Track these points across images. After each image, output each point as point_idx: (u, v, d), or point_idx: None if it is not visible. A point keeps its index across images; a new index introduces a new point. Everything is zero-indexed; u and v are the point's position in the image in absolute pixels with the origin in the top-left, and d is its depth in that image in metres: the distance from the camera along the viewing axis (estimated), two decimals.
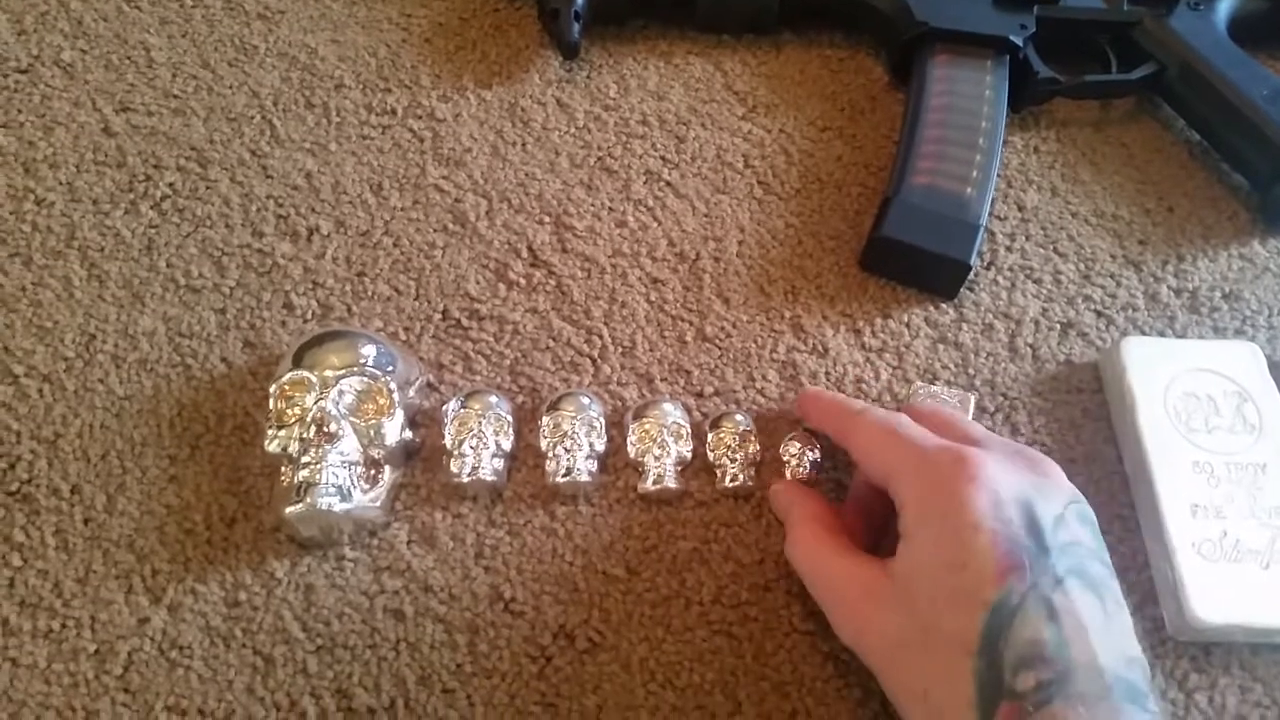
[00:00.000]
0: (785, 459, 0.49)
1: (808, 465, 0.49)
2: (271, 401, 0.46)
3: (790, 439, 0.49)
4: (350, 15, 0.65)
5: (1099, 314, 0.54)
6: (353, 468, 0.45)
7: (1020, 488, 0.37)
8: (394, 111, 0.60)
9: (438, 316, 0.53)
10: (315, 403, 0.45)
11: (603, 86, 0.62)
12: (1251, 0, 0.63)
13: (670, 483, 0.47)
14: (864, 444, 0.43)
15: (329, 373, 0.46)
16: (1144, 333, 0.54)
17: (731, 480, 0.47)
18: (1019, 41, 0.59)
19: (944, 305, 0.54)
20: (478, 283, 0.54)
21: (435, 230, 0.56)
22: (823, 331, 0.53)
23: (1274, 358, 0.52)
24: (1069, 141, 0.62)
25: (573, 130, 0.60)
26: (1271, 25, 0.64)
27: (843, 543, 0.42)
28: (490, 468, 0.47)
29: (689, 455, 0.48)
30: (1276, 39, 0.66)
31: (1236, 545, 0.45)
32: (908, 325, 0.53)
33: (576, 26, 0.61)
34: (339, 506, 0.44)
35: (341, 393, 0.46)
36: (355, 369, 0.46)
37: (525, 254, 0.55)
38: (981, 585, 0.35)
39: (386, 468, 0.46)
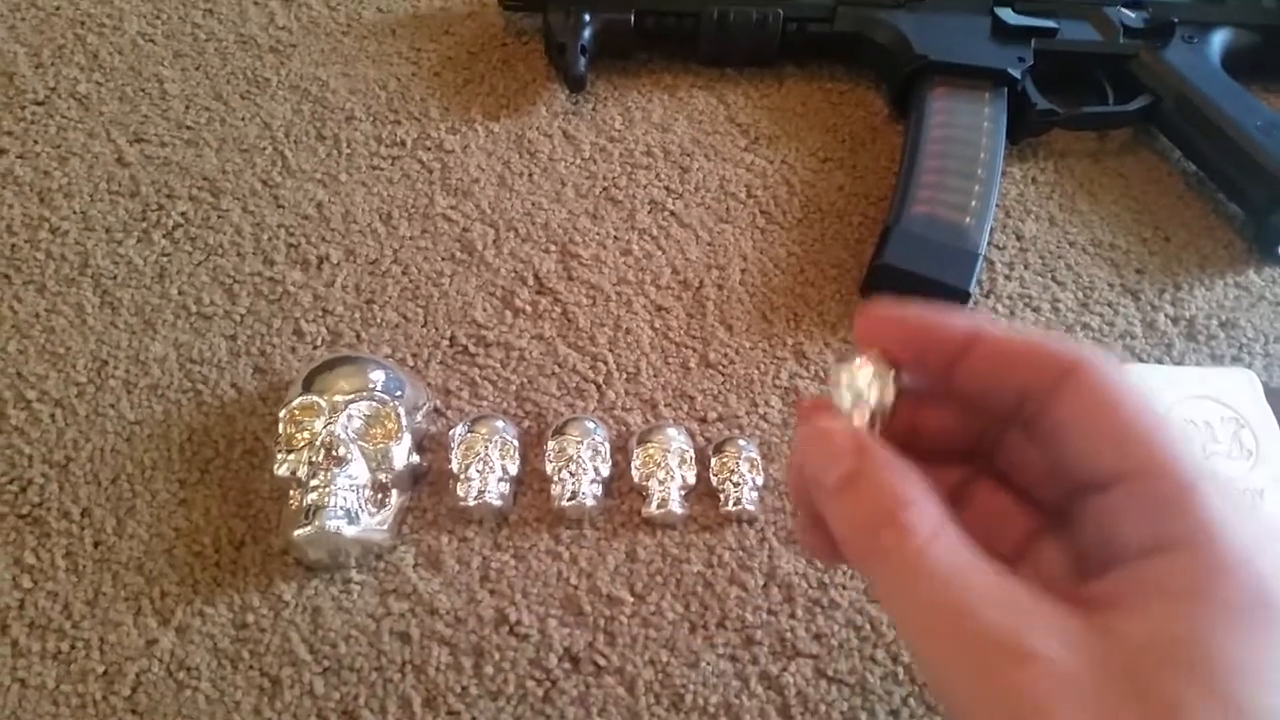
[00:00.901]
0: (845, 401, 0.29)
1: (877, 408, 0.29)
2: (281, 426, 0.47)
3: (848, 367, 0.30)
4: (361, 50, 0.66)
5: (1097, 342, 0.55)
6: (361, 491, 0.45)
7: None
8: (403, 143, 0.61)
9: (445, 343, 0.53)
10: (324, 427, 0.46)
11: (608, 119, 0.64)
12: (1244, 34, 0.64)
13: (675, 507, 0.47)
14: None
15: (338, 398, 0.47)
16: (1141, 360, 0.54)
17: (735, 504, 0.48)
18: (1017, 74, 0.60)
19: None
20: (485, 310, 0.55)
21: (443, 259, 0.56)
22: (825, 358, 0.54)
23: (1270, 384, 0.53)
24: (1067, 172, 0.63)
25: (579, 161, 0.61)
26: (1264, 58, 0.66)
27: (993, 563, 0.24)
28: (496, 492, 0.47)
29: (693, 480, 0.49)
30: (1269, 71, 0.67)
31: None
32: None
33: (582, 60, 0.62)
34: (347, 529, 0.44)
35: (350, 417, 0.46)
36: (364, 394, 0.47)
37: (531, 282, 0.56)
38: None
39: (394, 491, 0.47)
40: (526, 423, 0.51)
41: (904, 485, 0.26)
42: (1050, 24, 0.62)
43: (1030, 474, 0.29)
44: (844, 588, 0.46)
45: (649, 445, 0.49)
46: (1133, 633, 0.22)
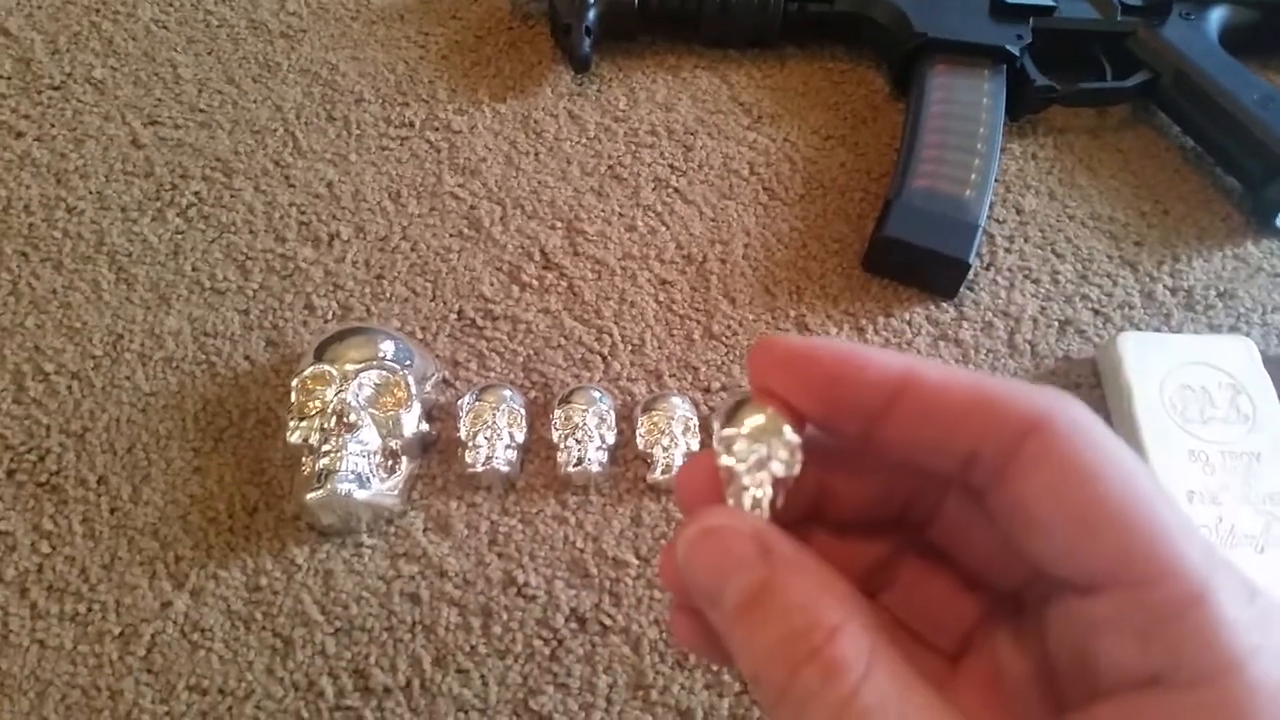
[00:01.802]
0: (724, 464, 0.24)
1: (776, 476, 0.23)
2: (293, 394, 0.48)
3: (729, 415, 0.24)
4: (370, 34, 0.67)
5: (1096, 312, 0.56)
6: (371, 457, 0.46)
7: None
8: (412, 124, 0.62)
9: (453, 316, 0.54)
10: (336, 395, 0.47)
11: (613, 99, 0.64)
12: (1242, 10, 0.65)
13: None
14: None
15: (349, 366, 0.48)
16: (1140, 330, 0.55)
17: None
18: (1016, 51, 0.61)
19: (945, 304, 0.56)
20: (492, 284, 0.56)
21: (451, 235, 0.57)
22: (827, 330, 0.54)
23: (1268, 352, 0.54)
24: (1066, 148, 0.63)
25: (584, 140, 0.62)
26: (1261, 34, 0.66)
27: (937, 700, 0.19)
28: (503, 458, 0.48)
29: (696, 447, 0.50)
30: (1266, 47, 0.67)
31: (1232, 531, 0.46)
32: (909, 323, 0.55)
33: (587, 42, 0.63)
34: (358, 493, 0.45)
35: (361, 385, 0.47)
36: (374, 363, 0.48)
37: (538, 257, 0.57)
38: None
39: (404, 458, 0.48)
40: (533, 393, 0.52)
41: (825, 601, 0.20)
42: (1048, 2, 0.63)
43: (976, 551, 0.23)
44: None
45: (653, 413, 0.50)
46: None
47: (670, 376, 0.53)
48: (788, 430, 0.23)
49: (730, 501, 0.23)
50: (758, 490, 0.22)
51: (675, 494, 0.25)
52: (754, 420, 0.23)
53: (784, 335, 0.24)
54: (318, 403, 0.47)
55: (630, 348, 0.54)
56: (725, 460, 0.23)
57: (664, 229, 0.58)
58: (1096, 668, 0.19)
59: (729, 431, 0.23)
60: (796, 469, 0.22)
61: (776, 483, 0.22)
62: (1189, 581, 0.18)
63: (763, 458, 0.22)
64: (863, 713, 0.18)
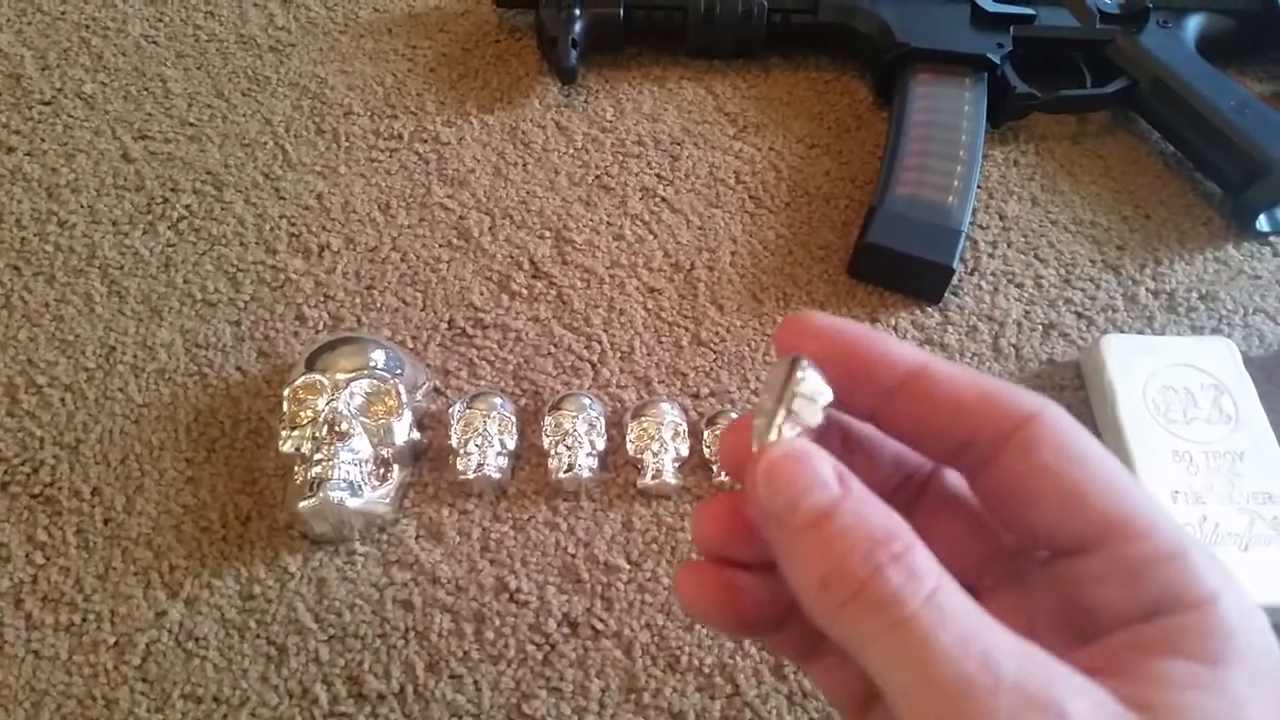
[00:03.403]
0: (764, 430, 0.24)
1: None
2: (285, 404, 0.48)
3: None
4: (358, 47, 0.68)
5: (1079, 315, 0.57)
6: (363, 465, 0.47)
7: None
8: (400, 136, 0.63)
9: (444, 326, 0.55)
10: (327, 404, 0.47)
11: (599, 110, 0.65)
12: (1218, 18, 0.66)
13: (669, 478, 0.49)
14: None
15: (340, 376, 0.48)
16: (1123, 332, 0.56)
17: (727, 475, 0.49)
18: (997, 59, 0.62)
19: (929, 309, 0.56)
20: (482, 294, 0.56)
21: (441, 245, 0.58)
22: None
23: (1249, 354, 0.54)
24: (1047, 154, 0.64)
25: (571, 151, 0.63)
26: (1238, 41, 0.67)
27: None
28: (495, 465, 0.48)
29: (686, 452, 0.50)
30: (1243, 54, 0.69)
31: (1216, 529, 0.47)
32: (895, 328, 0.56)
33: (574, 54, 0.64)
34: (350, 501, 0.45)
35: (352, 394, 0.48)
36: (365, 372, 0.49)
37: (527, 266, 0.57)
38: None
39: (395, 466, 0.48)
40: (524, 401, 0.52)
41: (899, 523, 0.22)
42: (1028, 11, 0.64)
43: (948, 545, 0.23)
44: None
45: (643, 419, 0.50)
46: (1192, 710, 0.20)
47: (659, 383, 0.53)
48: (826, 384, 0.24)
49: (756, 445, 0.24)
50: (794, 432, 0.24)
51: (720, 453, 0.28)
52: (804, 368, 0.24)
53: (814, 311, 0.26)
54: (309, 412, 0.48)
55: (619, 355, 0.54)
56: (771, 398, 0.24)
57: (652, 238, 0.59)
58: (1093, 612, 0.22)
59: (780, 375, 0.24)
60: (820, 418, 0.24)
61: (814, 430, 0.24)
62: (1166, 537, 0.22)
63: (811, 400, 0.24)
64: (941, 610, 0.20)
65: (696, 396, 0.53)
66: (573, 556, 0.47)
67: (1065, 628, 0.23)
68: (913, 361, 0.25)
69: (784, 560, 0.23)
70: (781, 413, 0.24)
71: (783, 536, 0.22)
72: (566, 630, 0.45)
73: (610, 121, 0.65)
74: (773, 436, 0.24)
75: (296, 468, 0.47)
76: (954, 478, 0.27)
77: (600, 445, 0.50)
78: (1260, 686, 0.20)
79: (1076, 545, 0.23)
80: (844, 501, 0.22)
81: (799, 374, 0.24)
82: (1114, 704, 0.20)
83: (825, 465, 0.23)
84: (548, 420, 0.50)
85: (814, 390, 0.24)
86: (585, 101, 0.66)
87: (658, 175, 0.62)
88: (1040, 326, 0.56)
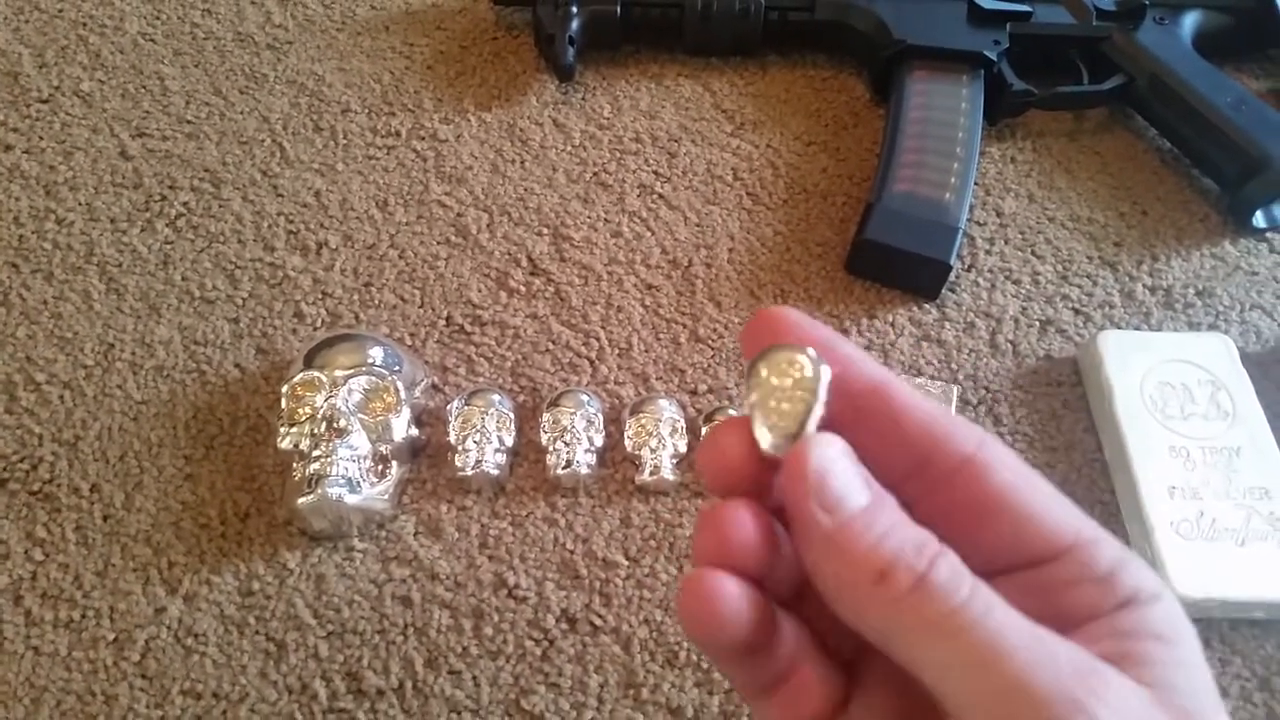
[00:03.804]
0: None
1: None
2: (283, 401, 0.48)
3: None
4: (356, 45, 0.68)
5: (1077, 311, 0.57)
6: (361, 461, 0.47)
7: None
8: (398, 133, 0.63)
9: (441, 323, 0.55)
10: (325, 400, 0.47)
11: (597, 107, 0.65)
12: (1214, 15, 0.66)
13: (667, 474, 0.49)
14: None
15: (338, 372, 0.48)
16: (1120, 328, 0.56)
17: None
18: (993, 56, 0.62)
19: (927, 305, 0.56)
20: (480, 291, 0.56)
21: (438, 243, 0.58)
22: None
23: (1246, 349, 0.55)
24: (1044, 151, 0.64)
25: (569, 148, 0.63)
26: (1234, 38, 0.67)
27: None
28: (493, 462, 0.48)
29: (684, 448, 0.50)
30: (1239, 51, 0.69)
31: (1213, 524, 0.47)
32: (892, 324, 0.56)
33: (571, 51, 0.64)
34: (349, 498, 0.45)
35: (350, 391, 0.48)
36: (363, 369, 0.49)
37: (525, 263, 0.57)
38: None
39: (394, 463, 0.48)
40: (522, 397, 0.52)
41: (923, 529, 0.23)
42: (1025, 8, 0.64)
43: None
44: None
45: (641, 416, 0.51)
46: (1175, 681, 0.22)
47: (657, 379, 0.53)
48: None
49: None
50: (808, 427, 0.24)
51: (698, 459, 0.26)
52: (811, 358, 0.24)
53: (787, 308, 0.26)
54: (308, 409, 0.48)
55: (617, 351, 0.54)
56: (779, 390, 0.24)
57: (649, 234, 0.59)
58: (1068, 611, 0.23)
59: (780, 362, 0.25)
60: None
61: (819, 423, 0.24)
62: (1114, 542, 0.24)
63: (818, 392, 0.24)
64: (989, 600, 0.21)
65: (694, 393, 0.53)
66: (571, 552, 0.47)
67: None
68: (878, 376, 0.25)
69: (827, 557, 0.23)
70: (818, 409, 0.24)
71: (828, 532, 0.23)
72: (565, 626, 0.45)
73: (608, 119, 0.65)
74: (812, 428, 0.24)
75: (295, 464, 0.47)
76: None
77: (598, 442, 0.50)
78: (1200, 658, 0.23)
79: (1041, 556, 0.24)
80: (885, 499, 0.23)
81: (824, 370, 0.24)
82: (1131, 682, 0.21)
83: (855, 466, 0.24)
84: (546, 417, 0.50)
85: (829, 385, 0.24)
86: (583, 99, 0.66)
87: (655, 172, 0.62)
88: (1037, 323, 0.56)
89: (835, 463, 0.23)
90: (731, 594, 0.23)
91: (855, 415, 0.25)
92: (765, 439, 0.24)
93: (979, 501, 0.24)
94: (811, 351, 0.24)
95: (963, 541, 0.24)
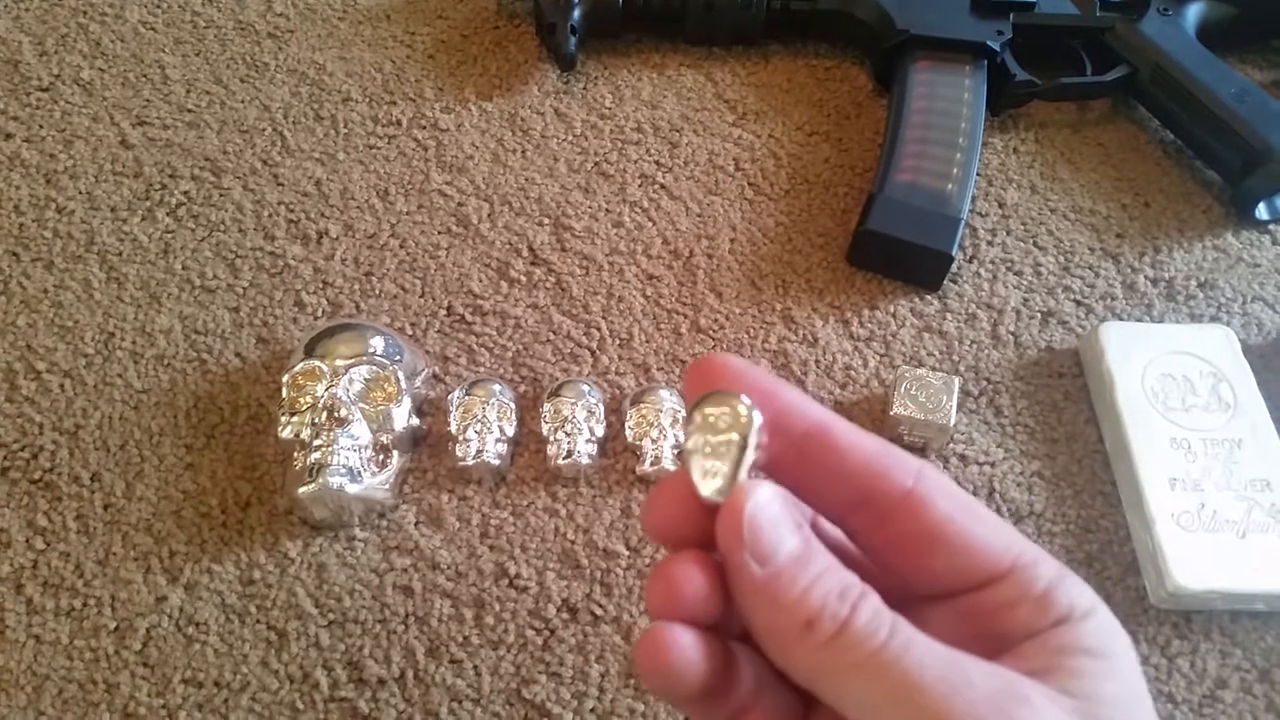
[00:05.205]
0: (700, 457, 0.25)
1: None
2: (284, 390, 0.48)
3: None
4: (357, 34, 0.68)
5: (1078, 303, 0.57)
6: (362, 451, 0.47)
7: None
8: (399, 123, 0.63)
9: (442, 312, 0.55)
10: (326, 390, 0.47)
11: (598, 97, 0.65)
12: (1218, 5, 0.66)
13: (668, 464, 0.49)
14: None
15: (339, 362, 0.48)
16: (1122, 320, 0.56)
17: None
18: (996, 47, 0.62)
19: (928, 296, 0.56)
20: (480, 280, 0.56)
21: (439, 232, 0.58)
22: (812, 322, 0.55)
23: (1248, 341, 0.55)
24: (1047, 142, 0.64)
25: (570, 138, 0.63)
26: (1238, 29, 0.67)
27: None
28: (494, 452, 0.48)
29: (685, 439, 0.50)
30: (1242, 41, 0.69)
31: (1214, 516, 0.47)
32: (894, 315, 0.56)
33: (573, 40, 0.63)
34: (350, 487, 0.45)
35: (351, 380, 0.48)
36: (364, 358, 0.49)
37: (526, 253, 0.57)
38: None
39: (395, 453, 0.48)
40: (523, 387, 0.52)
41: (848, 572, 0.24)
42: None
43: None
44: None
45: (642, 406, 0.51)
46: (1101, 693, 0.23)
47: (658, 370, 0.53)
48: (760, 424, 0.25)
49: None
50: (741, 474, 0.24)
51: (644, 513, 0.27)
52: (747, 407, 0.24)
53: (727, 354, 0.27)
54: (309, 398, 0.48)
55: (618, 342, 0.54)
56: (715, 439, 0.24)
57: (650, 225, 0.59)
58: (1005, 632, 0.25)
59: (718, 410, 0.25)
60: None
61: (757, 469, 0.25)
62: (1051, 562, 0.25)
63: (755, 442, 0.24)
64: (909, 637, 0.22)
65: None
66: (572, 542, 0.47)
67: (970, 648, 0.23)
68: (817, 417, 0.26)
69: (758, 605, 0.24)
70: (750, 455, 0.24)
71: (759, 583, 0.23)
72: (566, 615, 0.45)
73: (609, 108, 0.65)
74: (744, 475, 0.24)
75: (296, 453, 0.47)
76: (830, 530, 0.28)
77: (599, 432, 0.50)
78: (1137, 671, 0.25)
79: (983, 580, 0.25)
80: (813, 544, 0.24)
81: (755, 416, 0.24)
82: (1058, 695, 0.22)
83: (788, 513, 0.24)
84: (547, 407, 0.50)
85: (762, 431, 0.24)
86: (584, 88, 0.66)
87: (657, 162, 0.62)
88: (1039, 314, 0.56)
89: (765, 510, 0.24)
90: (685, 645, 0.24)
91: (798, 456, 0.26)
92: (703, 487, 0.24)
93: (920, 533, 0.25)
94: (745, 399, 0.24)
95: (908, 569, 0.26)
